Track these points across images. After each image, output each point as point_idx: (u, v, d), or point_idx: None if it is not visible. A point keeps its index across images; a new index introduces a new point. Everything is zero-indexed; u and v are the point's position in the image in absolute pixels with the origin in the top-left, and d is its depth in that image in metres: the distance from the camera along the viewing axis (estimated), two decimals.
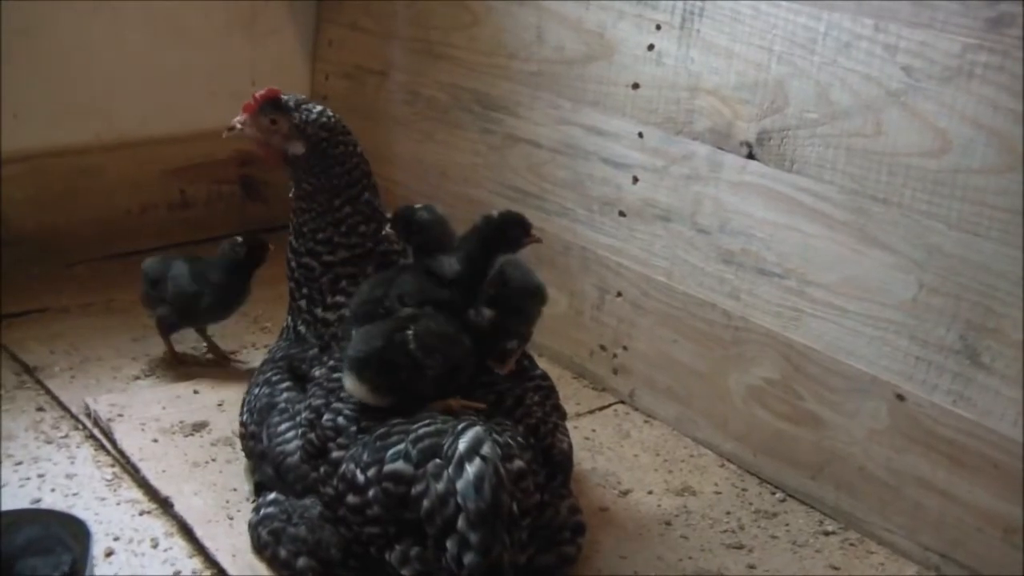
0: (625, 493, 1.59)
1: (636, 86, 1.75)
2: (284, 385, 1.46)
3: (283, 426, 1.40)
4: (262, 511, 1.38)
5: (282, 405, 1.43)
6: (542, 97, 1.89)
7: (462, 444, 1.18)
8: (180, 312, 1.80)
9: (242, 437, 1.52)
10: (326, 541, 1.29)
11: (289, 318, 1.57)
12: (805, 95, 1.53)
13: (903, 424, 1.46)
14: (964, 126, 1.36)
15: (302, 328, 1.52)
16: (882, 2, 1.43)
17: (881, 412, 1.48)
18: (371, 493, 1.24)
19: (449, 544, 1.15)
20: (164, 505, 1.47)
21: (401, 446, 1.23)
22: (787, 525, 1.54)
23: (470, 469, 1.15)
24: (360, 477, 1.25)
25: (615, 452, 1.70)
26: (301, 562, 1.31)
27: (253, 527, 1.38)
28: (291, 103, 1.48)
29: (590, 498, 1.56)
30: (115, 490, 1.52)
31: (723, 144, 1.64)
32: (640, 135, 1.76)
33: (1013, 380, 1.35)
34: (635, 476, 1.63)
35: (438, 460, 1.19)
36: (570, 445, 1.44)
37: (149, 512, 1.48)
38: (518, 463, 1.24)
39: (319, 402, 1.36)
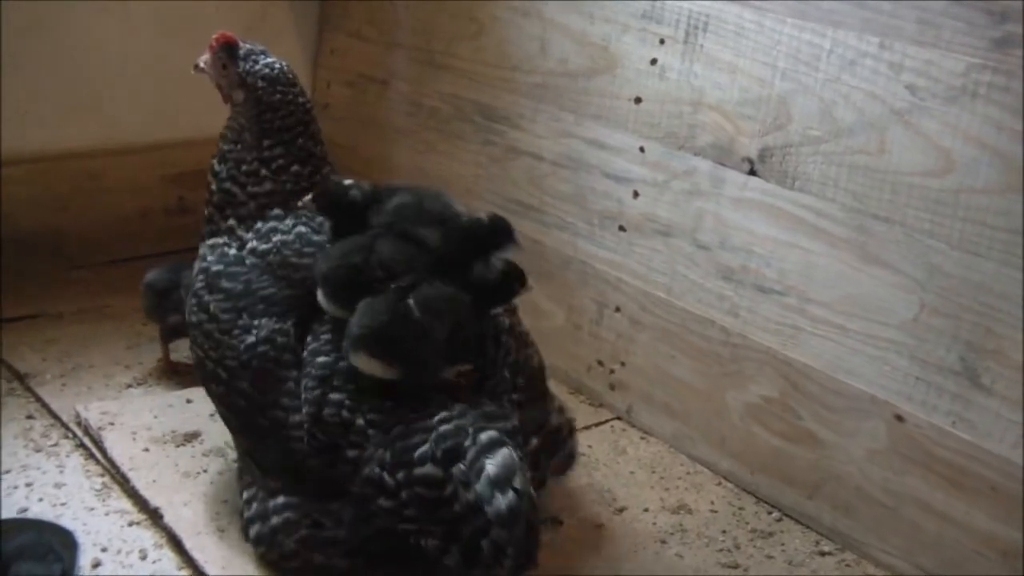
0: (620, 510, 1.57)
1: (639, 100, 1.74)
2: (287, 358, 1.35)
3: (296, 418, 1.32)
4: (274, 519, 1.32)
5: (291, 385, 1.34)
6: (545, 110, 1.88)
7: (491, 467, 1.18)
8: None
9: (217, 381, 1.38)
10: (369, 537, 1.28)
11: (224, 239, 1.46)
12: (808, 112, 1.52)
13: (902, 445, 1.45)
14: (968, 146, 1.36)
15: (251, 237, 1.43)
16: (888, 20, 1.42)
17: (880, 432, 1.47)
18: (404, 495, 1.23)
19: (484, 544, 1.17)
20: (154, 516, 1.45)
21: (425, 447, 1.22)
22: (783, 545, 1.53)
23: (503, 501, 1.16)
24: (389, 480, 1.24)
25: (611, 468, 1.68)
26: (341, 563, 1.29)
27: (269, 535, 1.32)
28: (241, 52, 1.48)
29: (585, 515, 1.54)
30: (104, 500, 1.50)
31: (725, 160, 1.63)
32: (642, 149, 1.75)
33: (1014, 402, 1.34)
34: (631, 493, 1.62)
35: (462, 466, 1.20)
36: (539, 354, 1.46)
37: (138, 523, 1.46)
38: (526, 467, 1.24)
39: (315, 394, 1.31)
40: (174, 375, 1.83)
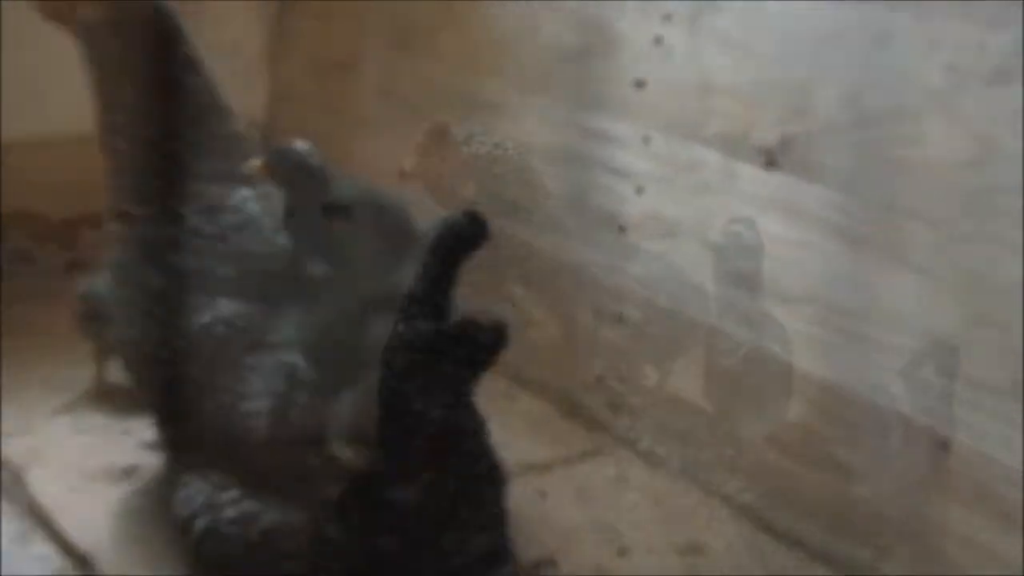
0: (623, 551, 1.48)
1: (641, 84, 1.66)
2: (246, 342, 1.32)
3: (249, 405, 1.28)
4: (229, 510, 1.25)
5: (246, 373, 1.30)
6: (535, 97, 1.82)
7: None
8: None
9: (159, 362, 1.34)
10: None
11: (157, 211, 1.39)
12: (832, 97, 1.43)
13: (941, 473, 1.35)
14: (1010, 133, 1.26)
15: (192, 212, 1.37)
16: None
17: (917, 458, 1.37)
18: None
19: None
20: (83, 563, 1.36)
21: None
22: None
23: None
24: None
25: (612, 502, 1.59)
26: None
27: (225, 526, 1.24)
28: None
29: (583, 557, 1.45)
30: (24, 547, 1.40)
31: (738, 151, 1.55)
32: (645, 140, 1.67)
33: None
34: (635, 531, 1.53)
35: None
36: None
37: (65, 572, 1.35)
38: None
39: (280, 389, 1.28)
40: (110, 400, 1.71)
